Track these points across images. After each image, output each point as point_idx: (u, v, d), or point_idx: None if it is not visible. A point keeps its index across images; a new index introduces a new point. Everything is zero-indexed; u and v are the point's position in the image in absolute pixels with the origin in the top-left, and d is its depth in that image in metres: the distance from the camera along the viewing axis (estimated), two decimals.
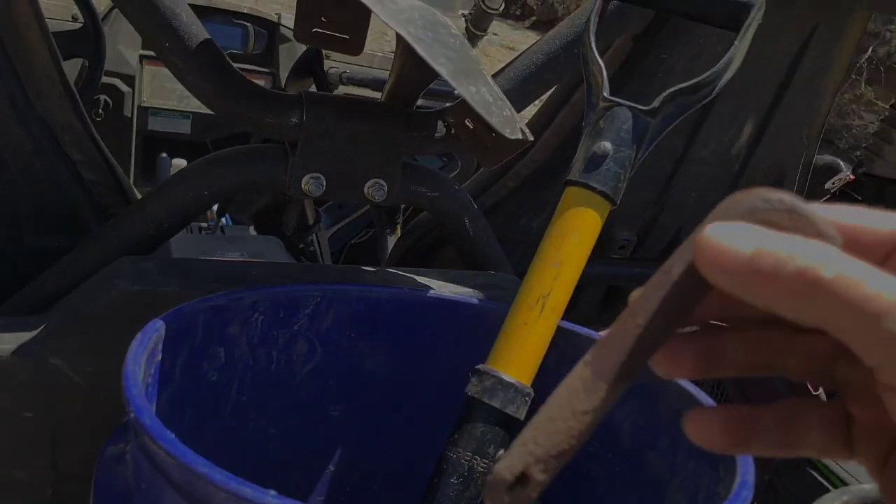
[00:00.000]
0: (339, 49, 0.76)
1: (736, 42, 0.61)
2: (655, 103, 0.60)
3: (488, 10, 2.08)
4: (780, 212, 0.24)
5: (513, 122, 0.63)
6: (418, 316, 0.64)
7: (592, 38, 0.63)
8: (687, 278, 0.24)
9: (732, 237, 0.22)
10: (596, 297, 1.08)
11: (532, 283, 0.59)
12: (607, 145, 0.60)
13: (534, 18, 7.43)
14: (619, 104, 0.61)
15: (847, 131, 5.76)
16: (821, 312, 0.21)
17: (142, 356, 0.42)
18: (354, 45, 0.76)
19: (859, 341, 0.21)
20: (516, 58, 0.76)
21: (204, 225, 1.75)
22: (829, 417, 0.26)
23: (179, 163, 1.68)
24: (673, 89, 0.60)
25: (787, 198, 0.24)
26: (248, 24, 1.78)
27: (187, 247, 1.01)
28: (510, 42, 6.43)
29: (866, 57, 7.46)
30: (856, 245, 0.23)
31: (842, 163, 1.13)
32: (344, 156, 0.71)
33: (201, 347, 0.53)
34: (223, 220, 1.68)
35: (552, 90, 0.93)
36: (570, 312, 0.73)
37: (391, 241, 1.17)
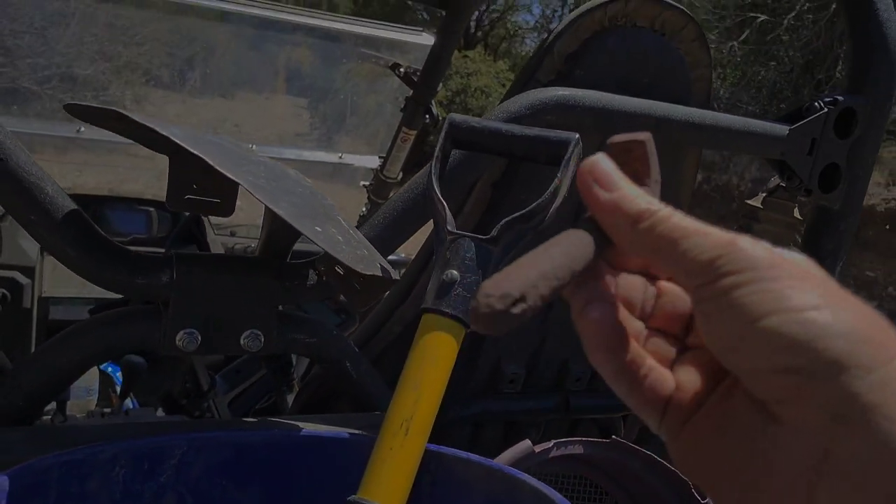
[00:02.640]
0: (211, 212, 0.81)
1: (558, 174, 0.68)
2: (494, 232, 0.66)
3: (387, 180, 2.22)
4: None
5: (368, 260, 0.67)
6: (291, 457, 0.64)
7: (435, 181, 0.69)
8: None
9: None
10: (496, 435, 1.09)
11: (394, 409, 0.61)
12: (454, 273, 0.65)
13: None
14: (463, 235, 0.66)
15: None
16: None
17: None
18: (225, 208, 0.81)
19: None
20: (379, 208, 0.83)
21: (107, 410, 1.70)
22: (660, 383, 0.31)
23: None
24: (508, 218, 0.66)
25: None
26: (151, 209, 1.84)
27: None
28: None
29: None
30: None
31: None
32: (217, 310, 0.73)
33: None
34: (129, 403, 1.64)
35: (428, 236, 0.99)
36: (472, 451, 0.74)
37: (290, 398, 1.17)
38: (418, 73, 1.99)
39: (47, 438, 0.64)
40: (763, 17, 9.09)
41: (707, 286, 0.27)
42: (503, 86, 11.32)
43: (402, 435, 0.60)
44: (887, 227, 7.18)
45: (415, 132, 2.08)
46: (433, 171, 0.70)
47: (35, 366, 0.70)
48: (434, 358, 0.63)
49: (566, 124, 0.87)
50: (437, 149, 0.72)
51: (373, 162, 2.22)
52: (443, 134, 0.73)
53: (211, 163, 0.52)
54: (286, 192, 0.60)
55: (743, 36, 9.29)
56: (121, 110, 0.54)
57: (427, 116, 2.04)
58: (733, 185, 8.51)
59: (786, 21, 9.03)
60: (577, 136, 0.70)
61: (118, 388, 1.68)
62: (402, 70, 2.03)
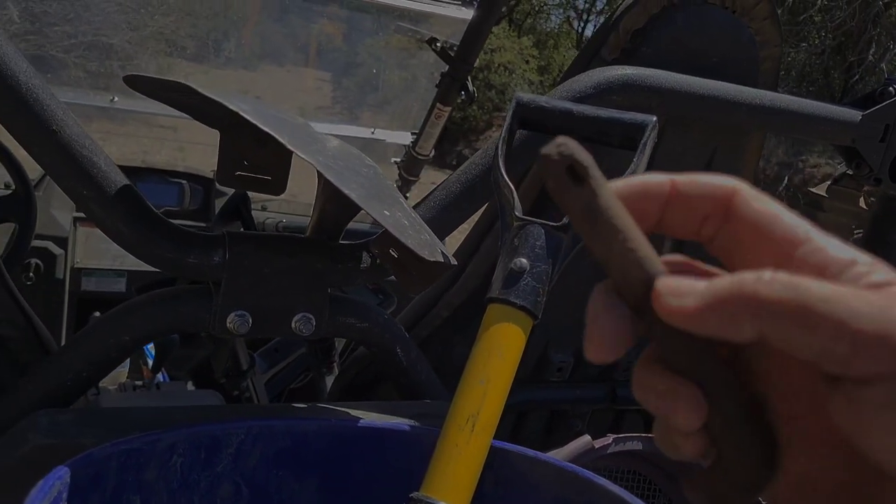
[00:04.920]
0: (262, 190, 0.78)
1: (635, 159, 0.64)
2: (565, 219, 0.63)
3: (419, 157, 2.18)
4: None
5: (431, 246, 0.64)
6: (348, 448, 0.62)
7: (501, 163, 0.66)
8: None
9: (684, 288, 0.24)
10: (539, 424, 1.06)
11: (460, 403, 0.58)
12: (524, 262, 0.62)
13: None
14: (532, 222, 0.63)
15: None
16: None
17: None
18: (277, 186, 0.78)
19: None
20: (434, 189, 0.79)
21: (139, 383, 1.69)
22: None
23: None
24: None
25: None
26: (184, 182, 1.82)
27: (117, 405, 0.98)
28: None
29: (783, 185, 7.96)
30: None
31: None
32: (269, 292, 0.71)
33: (115, 495, 0.50)
34: (160, 376, 1.63)
35: (478, 219, 0.96)
36: (515, 440, 0.72)
37: (329, 380, 1.15)
38: (454, 49, 1.94)
39: (98, 421, 0.62)
40: None
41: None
42: (526, 62, 11.17)
43: (468, 430, 0.57)
44: None
45: (449, 108, 2.03)
46: (500, 152, 0.67)
47: (85, 345, 0.68)
48: (501, 350, 0.60)
49: (632, 104, 0.83)
50: (504, 129, 0.69)
51: (405, 138, 2.18)
52: (510, 113, 0.69)
53: (283, 141, 0.49)
54: (354, 173, 0.57)
55: None
56: (187, 83, 0.51)
57: (462, 93, 2.00)
58: (759, 168, 8.40)
59: (819, 1, 8.83)
60: (655, 118, 0.66)
61: (149, 361, 1.67)
62: (438, 45, 1.98)
